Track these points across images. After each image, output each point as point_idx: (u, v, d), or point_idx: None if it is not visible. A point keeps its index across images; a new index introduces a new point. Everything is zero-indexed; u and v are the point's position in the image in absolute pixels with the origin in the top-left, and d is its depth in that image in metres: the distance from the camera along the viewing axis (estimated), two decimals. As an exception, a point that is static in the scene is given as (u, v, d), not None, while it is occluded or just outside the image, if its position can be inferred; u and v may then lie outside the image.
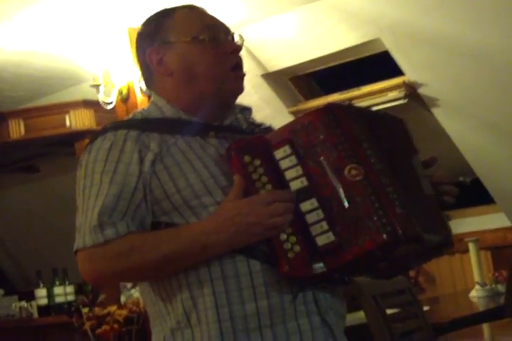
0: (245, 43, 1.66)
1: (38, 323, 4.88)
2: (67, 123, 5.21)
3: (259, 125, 1.62)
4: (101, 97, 4.35)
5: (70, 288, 5.00)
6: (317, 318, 1.46)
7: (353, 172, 1.36)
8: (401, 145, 1.53)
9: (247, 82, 1.61)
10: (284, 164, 1.42)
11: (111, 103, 4.38)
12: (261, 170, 1.43)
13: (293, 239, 1.38)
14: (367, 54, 4.72)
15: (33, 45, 4.60)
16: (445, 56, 4.32)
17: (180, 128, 1.52)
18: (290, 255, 1.38)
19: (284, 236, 1.39)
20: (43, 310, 4.96)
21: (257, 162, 1.43)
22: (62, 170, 5.59)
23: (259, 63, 4.76)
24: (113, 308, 4.23)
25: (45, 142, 5.36)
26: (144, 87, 4.29)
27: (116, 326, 4.16)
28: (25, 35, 4.41)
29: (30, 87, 5.35)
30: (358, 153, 1.38)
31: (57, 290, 4.96)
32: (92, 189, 1.46)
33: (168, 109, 1.57)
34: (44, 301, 4.98)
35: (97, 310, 4.30)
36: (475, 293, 3.39)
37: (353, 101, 4.73)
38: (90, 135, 5.73)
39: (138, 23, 4.75)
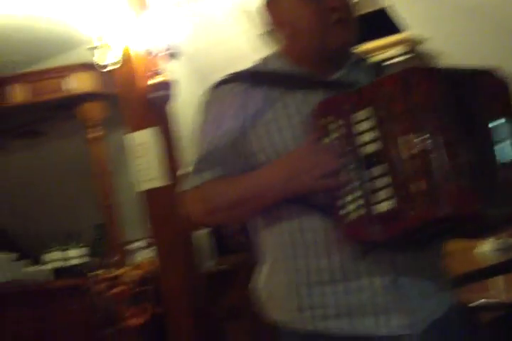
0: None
1: (53, 286, 4.89)
2: (67, 86, 5.20)
3: (379, 68, 1.64)
4: (98, 60, 4.31)
5: (83, 251, 5.05)
6: (389, 278, 1.49)
7: (418, 141, 1.34)
8: (486, 107, 1.45)
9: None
10: (361, 127, 1.42)
11: (108, 65, 4.34)
12: (335, 133, 1.45)
13: (360, 201, 1.40)
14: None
15: (31, 10, 4.56)
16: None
17: (288, 82, 1.59)
18: (352, 217, 1.41)
19: (350, 198, 1.41)
20: (57, 273, 4.99)
21: (333, 125, 1.46)
22: (64, 134, 5.59)
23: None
24: (128, 269, 4.29)
25: (46, 106, 5.35)
26: (140, 48, 4.27)
27: (131, 286, 4.23)
28: (23, -1, 4.38)
29: (28, 52, 5.30)
30: (429, 121, 1.35)
31: (71, 253, 4.98)
32: (199, 139, 1.62)
33: (282, 61, 1.63)
34: (58, 264, 5.01)
35: (111, 271, 4.36)
36: (486, 248, 3.31)
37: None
38: (90, 98, 5.66)
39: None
